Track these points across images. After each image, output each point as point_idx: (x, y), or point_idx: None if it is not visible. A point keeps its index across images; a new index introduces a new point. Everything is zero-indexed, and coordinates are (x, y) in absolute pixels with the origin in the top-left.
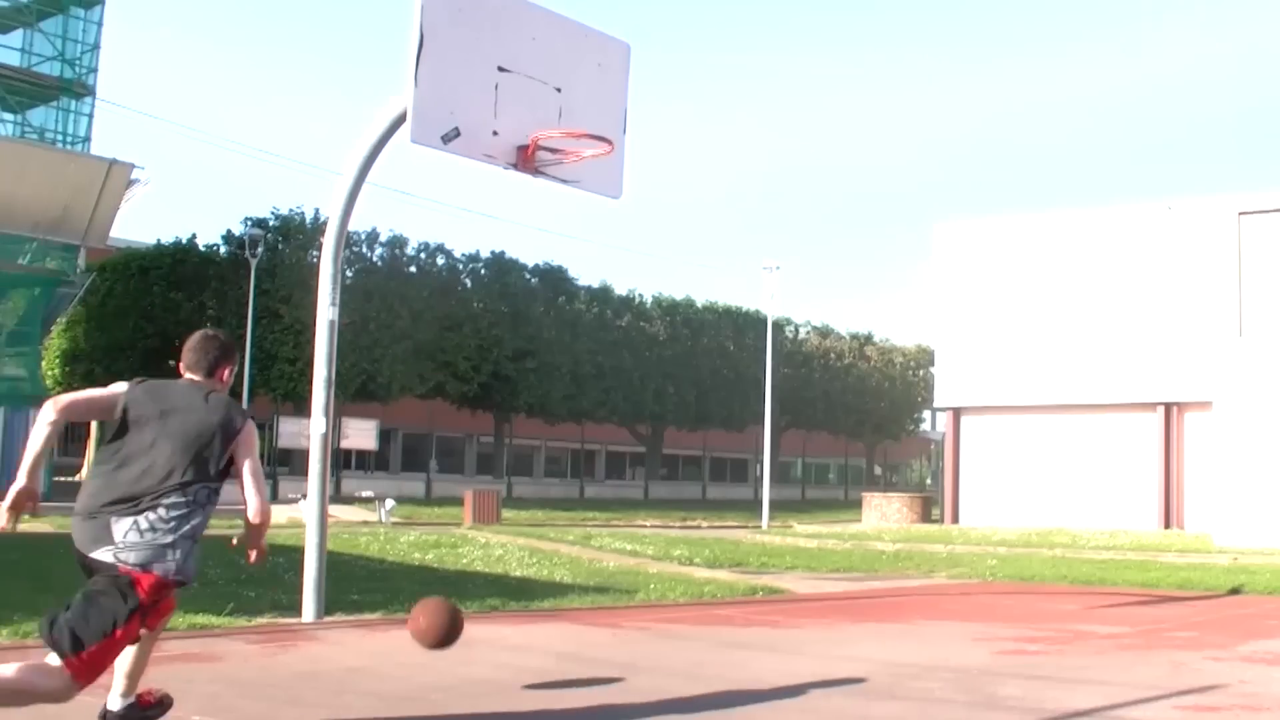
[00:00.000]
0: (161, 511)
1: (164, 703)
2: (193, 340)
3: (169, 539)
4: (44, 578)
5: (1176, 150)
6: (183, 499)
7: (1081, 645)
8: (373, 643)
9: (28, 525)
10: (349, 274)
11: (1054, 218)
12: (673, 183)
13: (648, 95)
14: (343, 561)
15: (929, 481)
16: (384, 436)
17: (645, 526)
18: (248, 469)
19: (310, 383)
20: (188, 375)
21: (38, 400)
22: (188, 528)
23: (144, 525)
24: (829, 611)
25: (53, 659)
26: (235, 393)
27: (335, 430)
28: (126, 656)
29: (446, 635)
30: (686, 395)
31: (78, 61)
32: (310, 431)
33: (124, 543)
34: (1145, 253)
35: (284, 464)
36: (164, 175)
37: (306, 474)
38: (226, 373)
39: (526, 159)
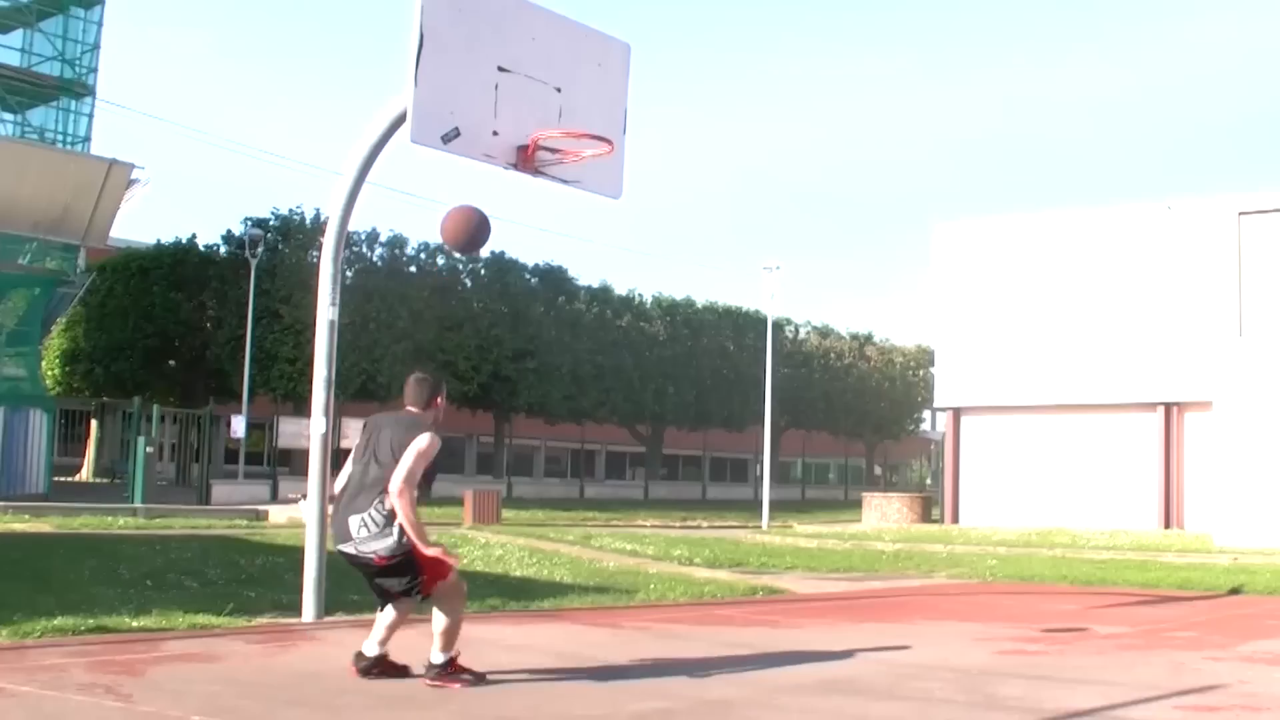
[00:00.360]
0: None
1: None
2: (409, 382)
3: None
4: (44, 578)
5: (1177, 151)
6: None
7: (1082, 645)
8: None
9: (28, 525)
10: (349, 274)
11: (1054, 218)
12: (673, 183)
13: (648, 95)
14: (342, 561)
15: (929, 481)
16: None
17: (645, 526)
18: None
19: (310, 382)
20: (408, 407)
21: (38, 400)
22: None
23: (368, 521)
24: (829, 611)
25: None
26: (235, 393)
27: (335, 430)
28: (388, 614)
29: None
30: (686, 395)
31: (77, 61)
32: (310, 431)
33: (358, 537)
34: (1145, 253)
35: (284, 464)
36: (164, 175)
37: (306, 474)
38: (439, 401)
39: (526, 159)
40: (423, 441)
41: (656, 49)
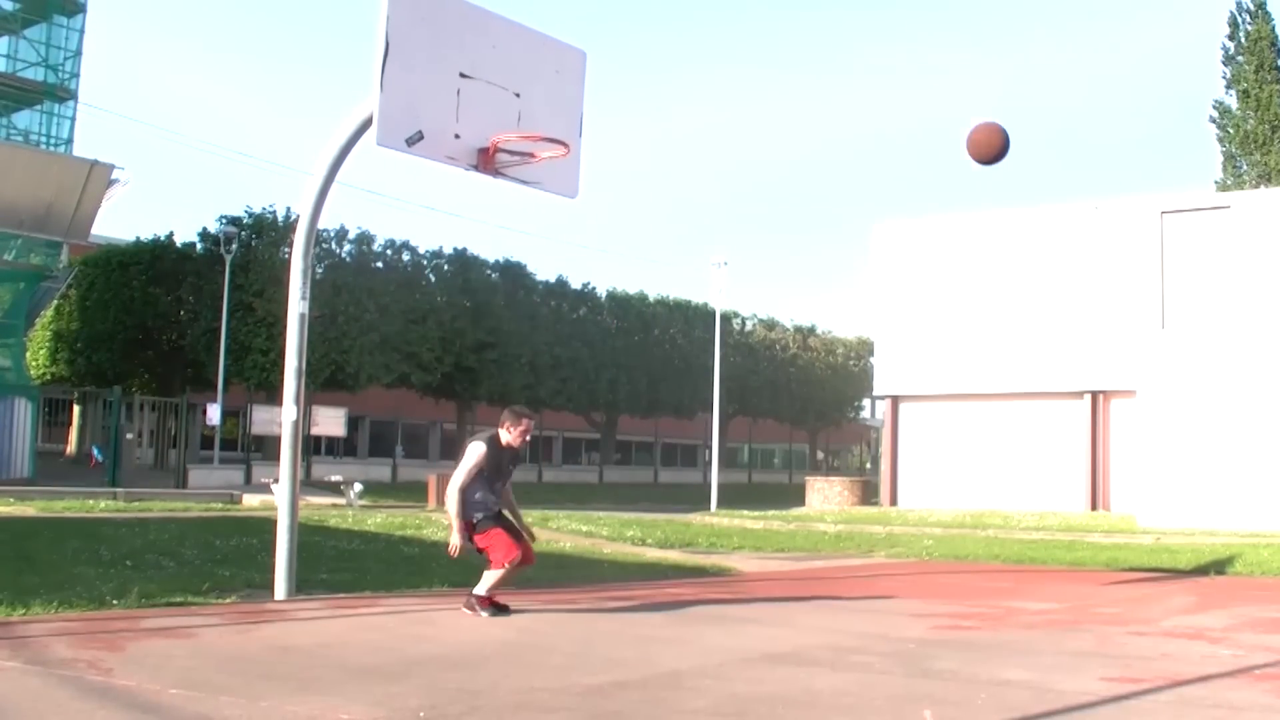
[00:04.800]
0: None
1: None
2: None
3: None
4: (29, 559)
5: (1105, 153)
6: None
7: (1013, 621)
8: (341, 619)
9: (13, 509)
10: (319, 269)
11: (987, 218)
12: (627, 182)
13: (603, 97)
14: (313, 542)
15: (868, 466)
16: (352, 424)
17: (600, 509)
18: None
19: (282, 373)
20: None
21: (23, 390)
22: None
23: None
24: (774, 589)
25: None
26: (210, 383)
27: (305, 418)
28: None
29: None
30: (639, 384)
31: (60, 67)
32: (282, 419)
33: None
34: (1073, 250)
35: (257, 449)
36: (143, 175)
37: (279, 459)
38: (507, 424)
39: (487, 161)
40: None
41: (611, 51)
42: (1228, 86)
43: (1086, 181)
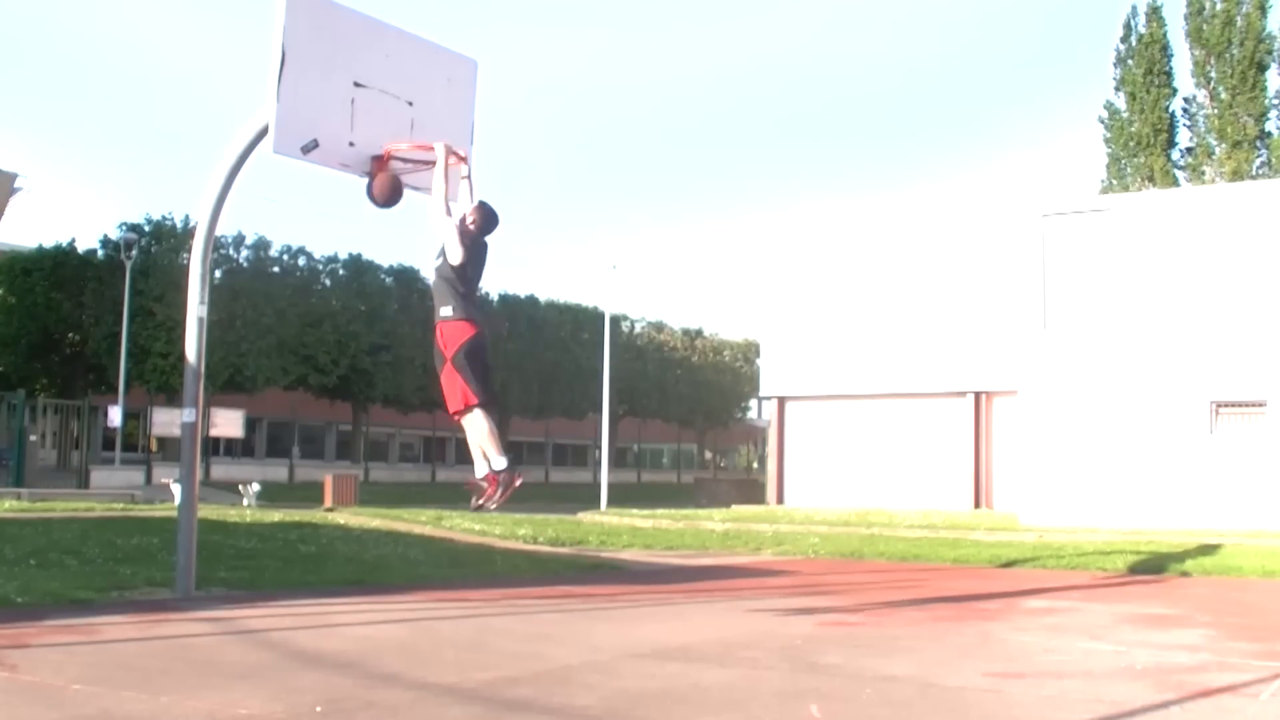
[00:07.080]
0: None
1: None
2: None
3: None
4: None
5: (987, 156)
6: None
7: (897, 617)
8: (239, 617)
9: None
10: (217, 274)
11: (871, 218)
12: (514, 186)
13: (494, 107)
14: (212, 541)
15: (755, 465)
16: (250, 425)
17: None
18: None
19: (182, 375)
20: None
21: None
22: None
23: None
24: (663, 586)
25: None
26: (112, 385)
27: (205, 419)
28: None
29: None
30: (530, 386)
31: None
32: (181, 420)
33: None
34: (957, 252)
35: (158, 451)
36: (43, 182)
37: (179, 460)
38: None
39: (381, 168)
40: None
41: (501, 54)
42: (1117, 88)
43: (975, 182)
